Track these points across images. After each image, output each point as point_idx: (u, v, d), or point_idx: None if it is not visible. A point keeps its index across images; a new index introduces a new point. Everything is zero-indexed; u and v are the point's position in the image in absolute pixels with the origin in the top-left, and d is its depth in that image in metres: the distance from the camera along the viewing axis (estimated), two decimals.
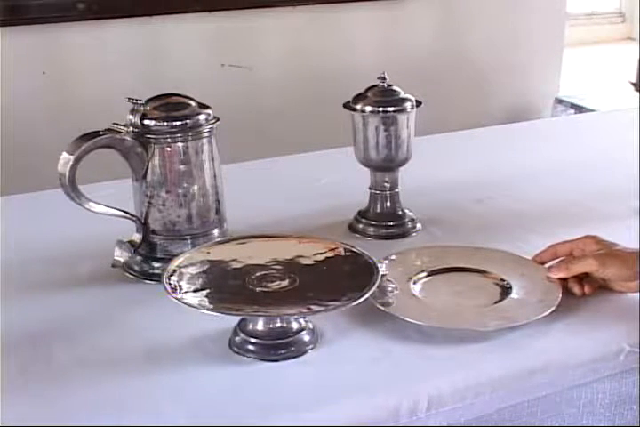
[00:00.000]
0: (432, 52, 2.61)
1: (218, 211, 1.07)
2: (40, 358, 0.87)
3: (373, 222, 1.18)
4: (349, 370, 0.84)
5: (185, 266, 0.91)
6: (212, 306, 0.83)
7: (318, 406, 0.79)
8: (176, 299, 0.84)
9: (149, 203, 1.04)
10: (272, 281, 0.89)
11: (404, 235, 1.17)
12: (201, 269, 0.91)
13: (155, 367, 0.85)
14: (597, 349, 0.88)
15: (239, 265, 0.92)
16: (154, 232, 1.05)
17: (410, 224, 1.18)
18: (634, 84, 2.65)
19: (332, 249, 0.94)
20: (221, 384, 0.82)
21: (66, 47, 2.19)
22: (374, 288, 0.86)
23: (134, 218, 1.04)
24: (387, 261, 1.02)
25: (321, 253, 0.94)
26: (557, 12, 2.83)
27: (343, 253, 0.93)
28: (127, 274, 1.06)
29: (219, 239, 1.03)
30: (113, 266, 1.04)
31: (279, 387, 0.82)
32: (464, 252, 1.05)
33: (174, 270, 0.89)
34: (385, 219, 1.18)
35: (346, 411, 0.78)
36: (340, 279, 0.89)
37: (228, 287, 0.88)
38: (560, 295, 0.94)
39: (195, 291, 0.86)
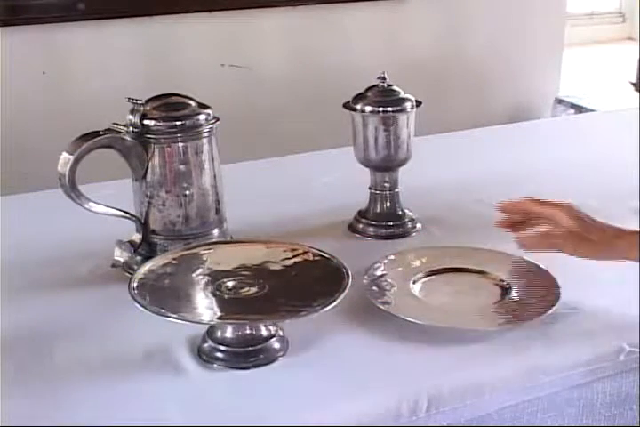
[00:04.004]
0: (432, 52, 2.60)
1: (218, 211, 1.07)
2: (40, 357, 0.87)
3: (373, 222, 1.18)
4: (349, 370, 0.84)
5: (152, 272, 0.89)
6: (179, 314, 0.81)
7: (318, 406, 0.79)
8: (142, 306, 0.82)
9: (149, 203, 1.04)
10: (241, 288, 0.87)
11: (403, 235, 1.17)
12: (169, 277, 0.89)
13: (154, 367, 0.85)
14: (597, 349, 0.88)
15: (207, 271, 0.91)
16: (154, 232, 1.05)
17: (410, 224, 1.18)
18: (634, 84, 2.65)
19: (301, 254, 0.92)
20: (221, 384, 0.82)
21: (66, 47, 2.18)
22: (345, 293, 0.84)
23: (134, 218, 1.04)
24: (386, 261, 1.02)
25: (289, 259, 0.92)
26: (557, 12, 2.83)
27: (312, 258, 0.92)
28: (127, 274, 1.05)
29: (185, 246, 1.01)
30: (113, 266, 1.04)
31: (279, 387, 0.82)
32: (463, 252, 1.05)
33: (142, 278, 0.88)
34: (385, 219, 1.18)
35: (346, 411, 0.78)
36: (310, 285, 0.88)
37: (196, 294, 0.87)
38: (560, 295, 0.94)
39: (162, 298, 0.84)
